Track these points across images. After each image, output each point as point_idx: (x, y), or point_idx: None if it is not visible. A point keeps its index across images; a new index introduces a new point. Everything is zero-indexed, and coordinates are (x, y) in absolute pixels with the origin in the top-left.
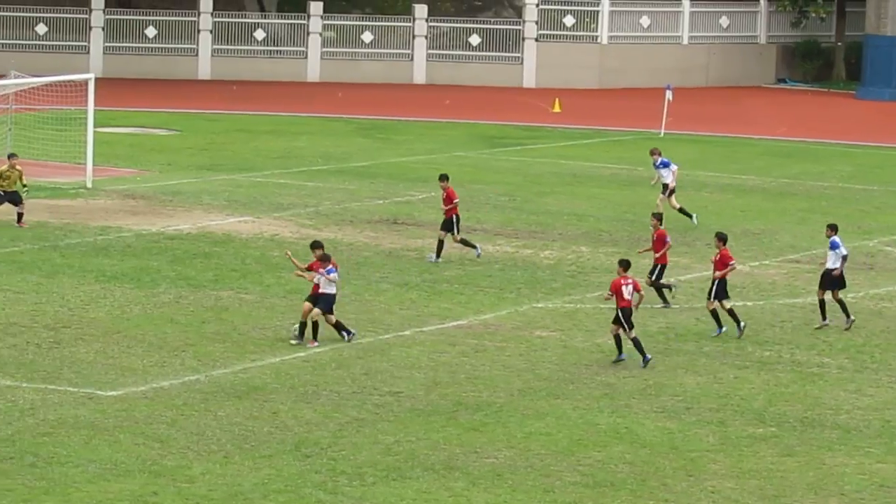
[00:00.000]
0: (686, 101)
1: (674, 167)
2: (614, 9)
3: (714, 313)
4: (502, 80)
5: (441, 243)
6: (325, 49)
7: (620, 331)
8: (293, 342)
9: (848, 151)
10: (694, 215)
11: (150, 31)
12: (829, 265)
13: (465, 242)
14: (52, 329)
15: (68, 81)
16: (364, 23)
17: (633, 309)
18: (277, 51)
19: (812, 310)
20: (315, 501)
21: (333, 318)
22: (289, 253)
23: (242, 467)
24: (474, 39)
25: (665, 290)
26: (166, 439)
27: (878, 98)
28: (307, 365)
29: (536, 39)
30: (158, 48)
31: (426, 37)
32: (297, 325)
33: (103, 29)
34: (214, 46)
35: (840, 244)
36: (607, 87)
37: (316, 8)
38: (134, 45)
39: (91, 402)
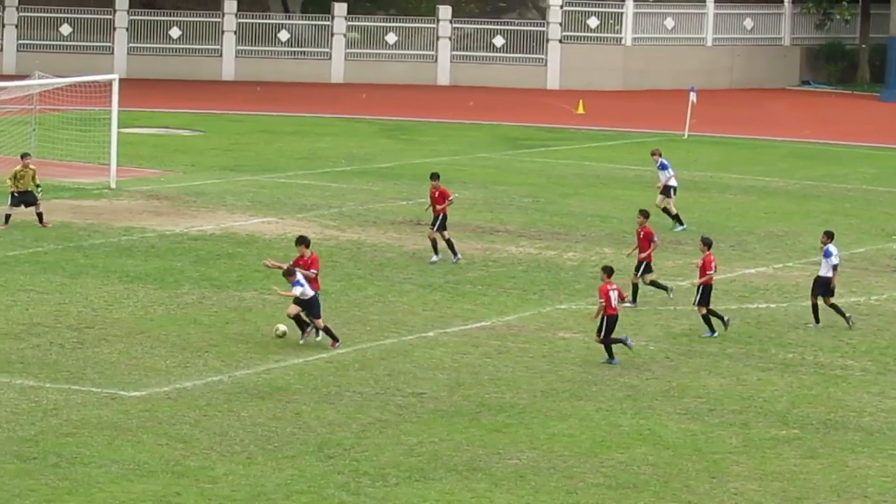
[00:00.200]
0: (710, 102)
1: (671, 170)
2: (638, 10)
3: (705, 317)
4: (526, 81)
5: (449, 242)
6: (349, 50)
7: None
8: (301, 342)
9: (871, 154)
10: (684, 226)
11: (175, 32)
12: (822, 273)
13: (434, 243)
14: (76, 329)
15: (92, 82)
16: (388, 24)
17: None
18: (301, 52)
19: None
20: (338, 502)
21: (321, 323)
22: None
23: (265, 468)
24: (498, 41)
25: (649, 287)
26: (189, 440)
27: None
28: (330, 366)
29: (560, 41)
30: (182, 49)
31: (450, 38)
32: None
33: (127, 30)
34: (238, 47)
35: (833, 253)
36: (631, 89)
37: (340, 9)
38: (158, 45)
39: (114, 402)
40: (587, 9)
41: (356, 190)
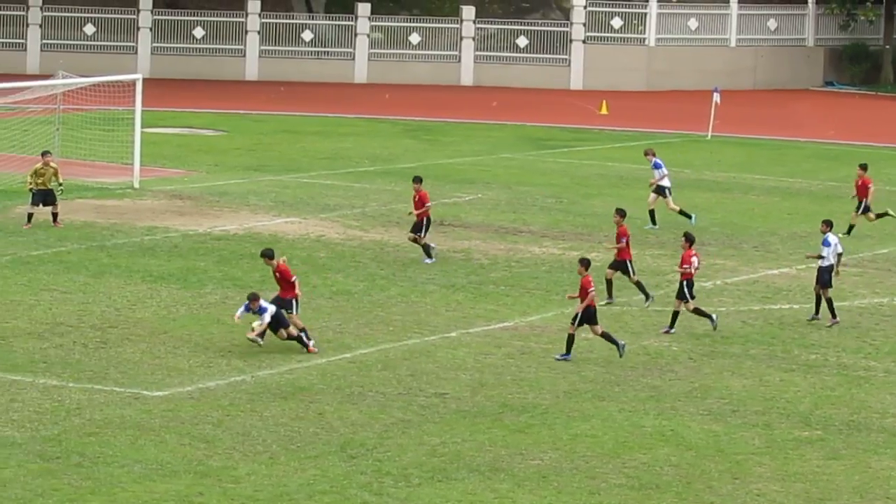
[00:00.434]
0: (733, 103)
1: (664, 169)
2: (662, 11)
3: (697, 311)
4: (549, 81)
5: (417, 241)
6: (372, 50)
7: (592, 330)
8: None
9: (895, 155)
10: (657, 226)
11: (198, 32)
12: (825, 263)
13: (425, 246)
14: (99, 329)
15: (116, 82)
16: (412, 24)
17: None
18: (325, 52)
19: (859, 313)
20: (360, 502)
21: (293, 331)
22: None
23: (288, 468)
24: (522, 41)
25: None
26: (212, 440)
27: None
28: (353, 366)
29: (584, 41)
30: (206, 49)
31: (474, 38)
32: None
33: (151, 29)
34: (262, 47)
35: (831, 242)
36: (655, 90)
37: (363, 9)
38: (181, 45)
39: (137, 402)
40: (611, 9)
41: (379, 190)
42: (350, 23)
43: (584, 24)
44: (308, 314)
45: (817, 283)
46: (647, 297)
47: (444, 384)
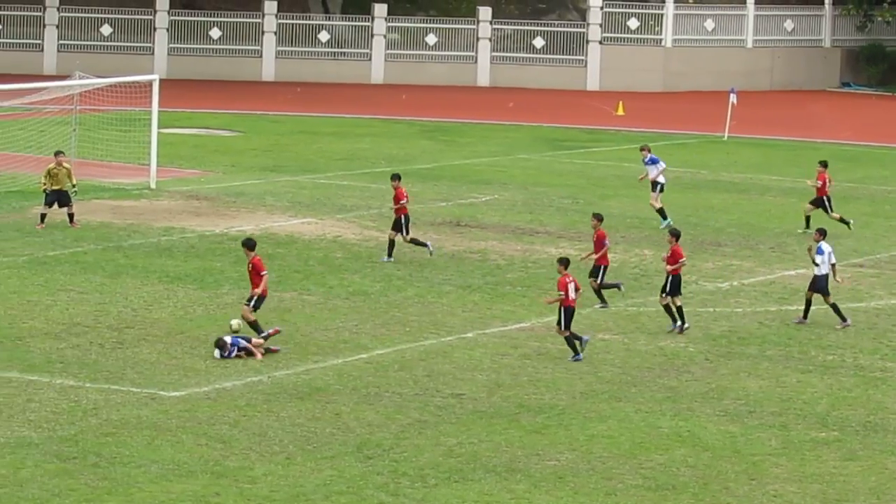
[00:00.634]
0: (750, 104)
1: (661, 165)
2: (679, 12)
3: (667, 308)
4: (566, 82)
5: (392, 243)
6: (389, 51)
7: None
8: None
9: None
10: (668, 220)
11: (215, 33)
12: (820, 272)
13: (415, 241)
14: (116, 329)
15: (133, 82)
16: (428, 25)
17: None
18: (341, 53)
19: (876, 314)
20: (377, 503)
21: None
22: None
23: (304, 468)
24: (538, 42)
25: (604, 292)
26: (229, 440)
27: None
28: (369, 366)
29: (600, 42)
30: (223, 49)
31: (490, 39)
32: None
33: (168, 30)
34: (278, 48)
35: (825, 251)
36: (671, 91)
37: (380, 10)
38: (198, 46)
39: (154, 402)
40: (627, 10)
41: None
42: (367, 23)
43: (601, 25)
44: (325, 314)
45: (809, 288)
46: (604, 302)
47: (460, 385)
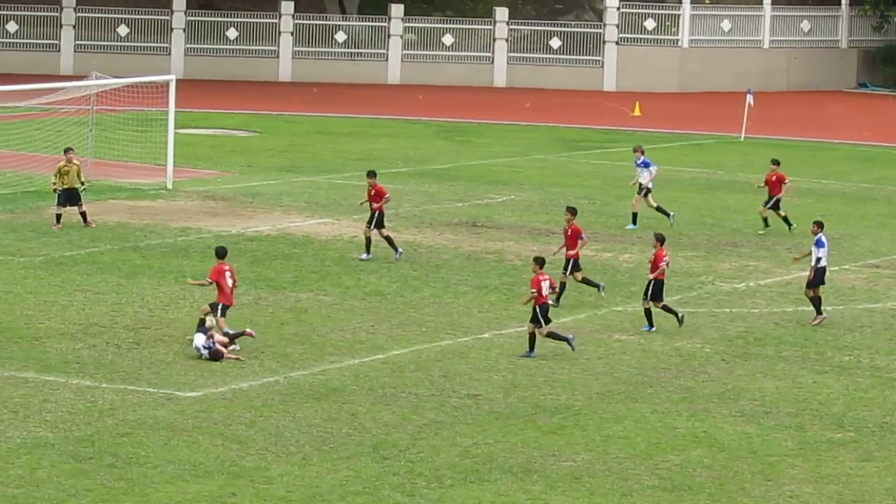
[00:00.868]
0: (766, 105)
1: (654, 168)
2: (695, 12)
3: (647, 312)
4: (583, 83)
5: (389, 239)
6: (405, 51)
7: (536, 329)
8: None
9: None
10: (672, 213)
11: (231, 33)
12: (822, 264)
13: (368, 241)
14: (132, 330)
15: (149, 83)
16: (445, 25)
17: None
18: (358, 53)
19: (892, 315)
20: (393, 503)
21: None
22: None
23: (321, 469)
24: (555, 42)
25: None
26: (245, 440)
27: None
28: (386, 367)
29: (617, 43)
30: (239, 50)
31: (507, 40)
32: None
33: (184, 30)
34: (295, 48)
35: (825, 242)
36: (688, 91)
37: (397, 10)
38: (215, 46)
39: (170, 402)
40: (644, 10)
41: (412, 191)
42: (383, 24)
43: (618, 26)
44: (341, 315)
45: (808, 287)
46: (558, 301)
47: (476, 385)
